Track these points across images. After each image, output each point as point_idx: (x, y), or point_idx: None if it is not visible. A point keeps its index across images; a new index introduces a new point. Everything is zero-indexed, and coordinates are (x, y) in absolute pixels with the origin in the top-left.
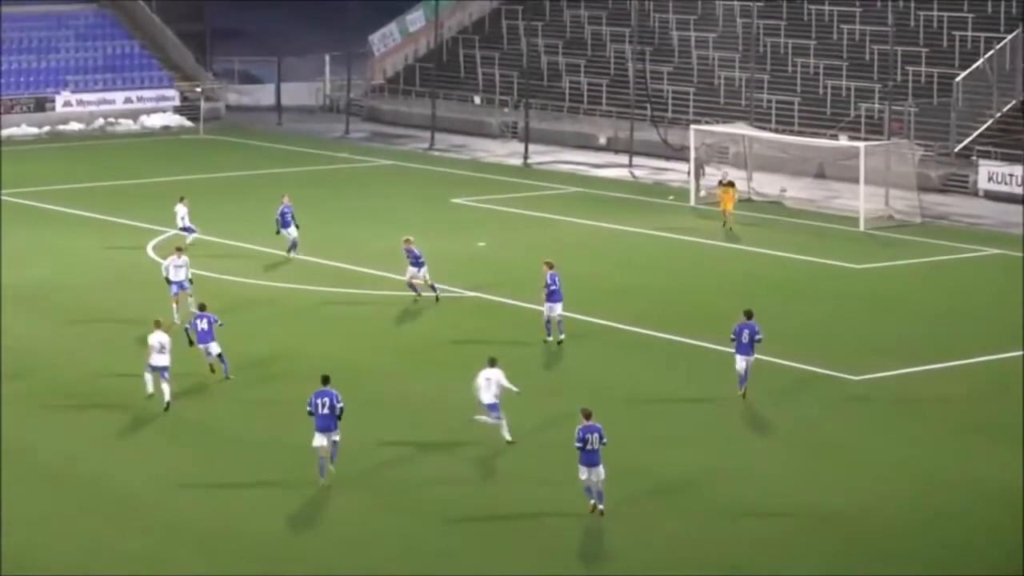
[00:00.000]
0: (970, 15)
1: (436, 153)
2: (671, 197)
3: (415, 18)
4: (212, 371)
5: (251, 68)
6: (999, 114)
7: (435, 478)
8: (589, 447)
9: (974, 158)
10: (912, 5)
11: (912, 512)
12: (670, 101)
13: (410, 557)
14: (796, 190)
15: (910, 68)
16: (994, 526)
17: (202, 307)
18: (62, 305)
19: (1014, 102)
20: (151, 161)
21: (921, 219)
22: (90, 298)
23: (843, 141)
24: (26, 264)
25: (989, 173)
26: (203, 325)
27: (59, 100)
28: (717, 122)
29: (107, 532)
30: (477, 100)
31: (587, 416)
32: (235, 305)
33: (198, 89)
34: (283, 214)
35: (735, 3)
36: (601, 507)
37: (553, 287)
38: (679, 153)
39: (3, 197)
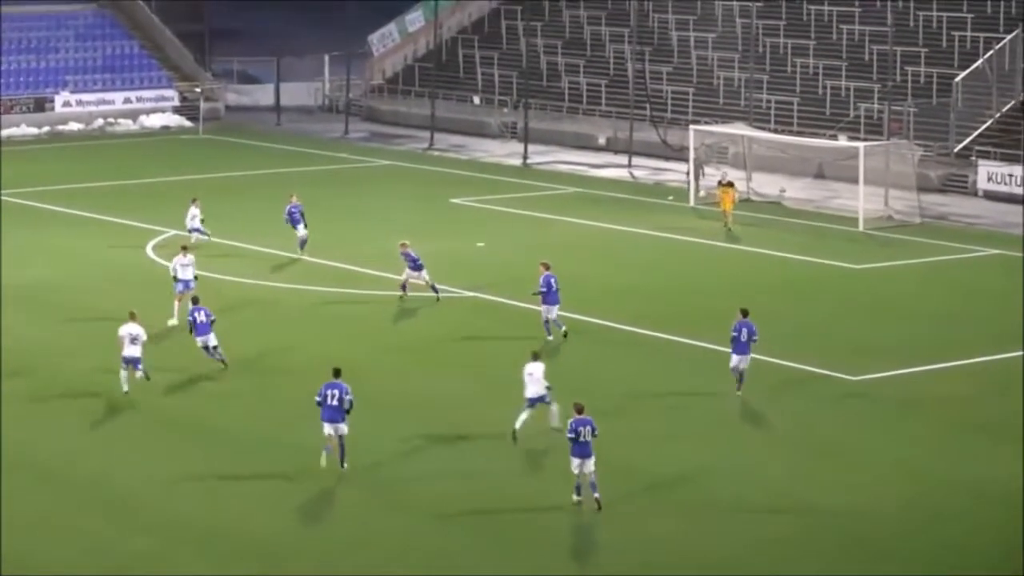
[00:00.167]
0: (969, 15)
1: (435, 153)
2: (670, 197)
3: (414, 18)
4: (224, 365)
5: (250, 68)
6: (998, 114)
7: (432, 475)
8: (581, 439)
9: (973, 158)
10: (911, 5)
11: (911, 512)
12: (669, 101)
13: (408, 555)
14: (795, 190)
15: (909, 68)
16: (994, 526)
17: (195, 300)
18: (61, 305)
19: (1013, 102)
20: (150, 161)
21: (920, 219)
22: (89, 298)
23: (842, 141)
24: (26, 264)
25: (988, 173)
26: (201, 317)
27: (58, 100)
28: (716, 122)
29: (107, 531)
30: (476, 100)
31: (579, 410)
32: (234, 305)
33: (197, 89)
34: (291, 213)
35: (734, 3)
36: (597, 496)
37: (544, 289)
38: (678, 153)
39: (3, 197)
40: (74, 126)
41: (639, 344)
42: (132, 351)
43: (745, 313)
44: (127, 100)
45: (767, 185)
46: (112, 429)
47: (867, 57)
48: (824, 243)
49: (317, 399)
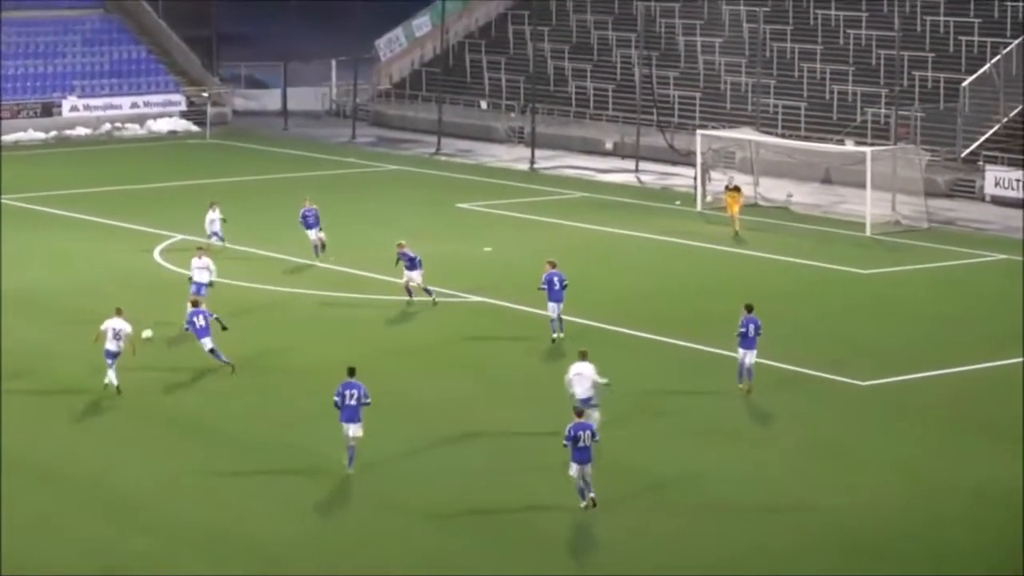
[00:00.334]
0: (976, 20)
1: (442, 158)
2: (678, 202)
3: (421, 23)
4: (232, 368)
5: (257, 73)
6: (1006, 119)
7: (432, 476)
8: (581, 444)
9: (981, 163)
10: (919, 10)
11: (912, 513)
12: (676, 106)
13: (408, 555)
14: (803, 195)
15: (916, 73)
16: (995, 527)
17: (195, 303)
18: (66, 308)
19: (1021, 107)
20: (158, 166)
21: (928, 224)
22: (95, 301)
23: (849, 146)
24: (32, 267)
25: (996, 178)
26: (200, 321)
27: (66, 105)
28: (723, 127)
29: (106, 531)
30: (483, 105)
31: (579, 414)
32: (241, 309)
33: (205, 94)
34: (304, 216)
35: (741, 8)
36: (592, 495)
37: (544, 286)
38: (685, 158)
39: (11, 202)
40: (81, 131)
41: (645, 348)
42: (112, 345)
43: (750, 308)
44: (134, 105)
45: (774, 190)
46: (113, 430)
47: (874, 62)
48: (831, 248)
49: (336, 399)
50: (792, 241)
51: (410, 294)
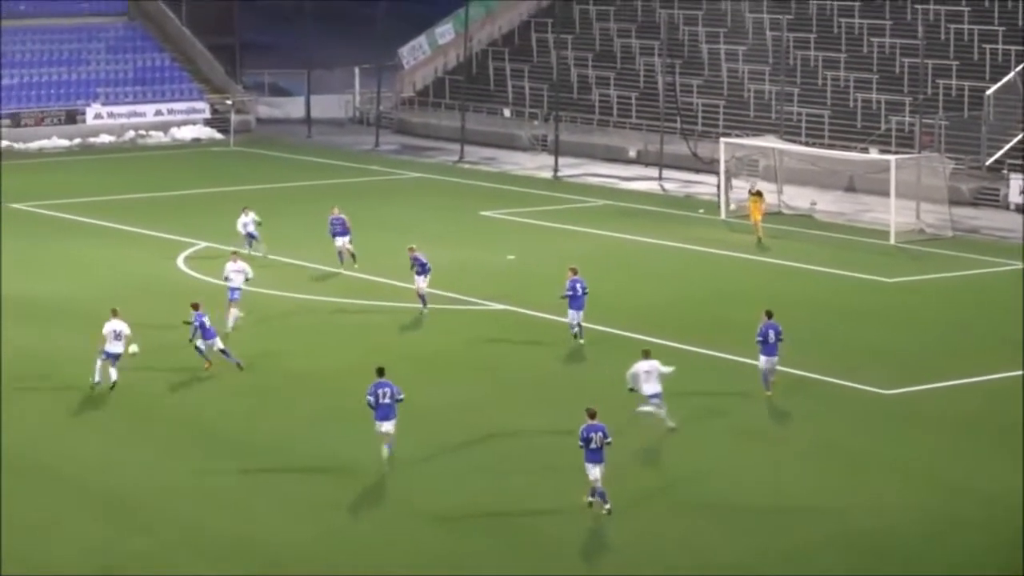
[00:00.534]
0: (1001, 28)
1: (466, 166)
2: (701, 210)
3: (444, 31)
4: (240, 368)
5: (281, 81)
6: None
7: (443, 479)
8: (593, 445)
9: (1005, 171)
10: (943, 18)
11: (927, 518)
12: (700, 114)
13: (417, 558)
14: (826, 203)
15: (941, 81)
16: (1010, 533)
17: (195, 306)
18: (88, 314)
19: None
20: (181, 173)
21: (952, 233)
22: (117, 307)
23: (874, 154)
24: (55, 275)
25: (1020, 186)
26: (207, 322)
27: (90, 112)
28: (747, 135)
29: (106, 532)
30: (507, 113)
31: (592, 415)
32: (262, 315)
33: (228, 102)
34: (332, 224)
35: (765, 16)
36: (608, 507)
37: (570, 293)
38: (709, 166)
39: (35, 209)
40: (105, 138)
41: (666, 355)
42: (115, 347)
43: (770, 315)
44: (158, 112)
45: (798, 198)
46: (121, 433)
47: (898, 70)
48: (855, 256)
49: (369, 399)
50: (816, 249)
51: (424, 302)
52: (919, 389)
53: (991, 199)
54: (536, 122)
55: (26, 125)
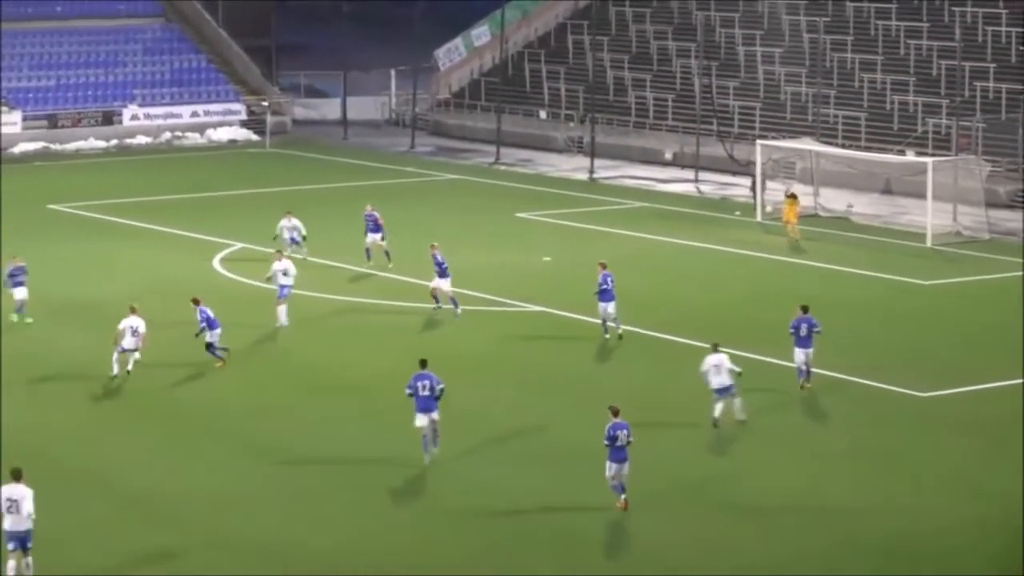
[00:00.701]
0: None
1: (501, 168)
2: (737, 212)
3: (480, 33)
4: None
5: (317, 82)
6: None
7: (465, 478)
8: (618, 444)
9: None
10: (980, 20)
11: (960, 520)
12: (736, 116)
13: (434, 555)
14: (863, 206)
15: (978, 83)
16: None
17: (196, 301)
18: (122, 316)
19: None
20: (217, 175)
21: (989, 235)
22: (153, 309)
23: (910, 157)
24: (92, 275)
25: None
26: (211, 314)
27: (126, 114)
28: (783, 137)
29: (133, 533)
30: (543, 115)
31: (615, 413)
32: (296, 317)
33: (264, 103)
34: (365, 220)
35: (801, 18)
36: (624, 497)
37: (604, 286)
38: (745, 168)
39: (71, 210)
40: (142, 139)
41: (703, 356)
42: (131, 342)
43: (805, 309)
44: (194, 114)
45: (834, 200)
46: (148, 431)
47: (935, 72)
48: (892, 259)
49: (407, 391)
50: (852, 252)
51: (437, 300)
52: (954, 392)
53: None
54: (572, 124)
55: (63, 126)
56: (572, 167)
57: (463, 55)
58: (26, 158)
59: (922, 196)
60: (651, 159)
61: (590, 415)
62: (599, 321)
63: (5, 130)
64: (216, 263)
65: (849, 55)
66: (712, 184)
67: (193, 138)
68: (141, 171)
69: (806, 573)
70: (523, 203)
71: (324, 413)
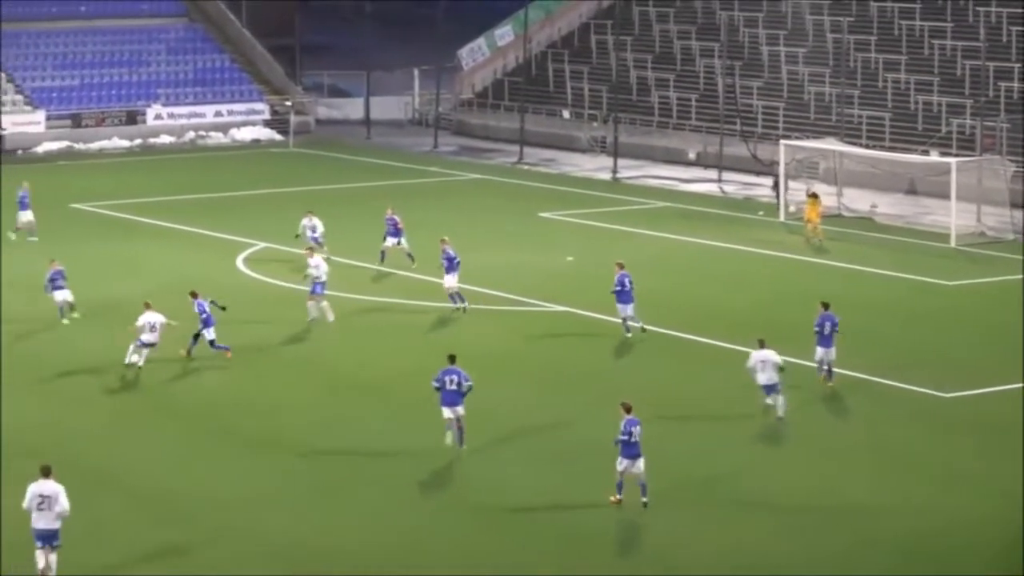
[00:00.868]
0: None
1: (525, 167)
2: (760, 212)
3: (503, 33)
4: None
5: (340, 82)
6: None
7: (478, 474)
8: (633, 440)
9: None
10: (1004, 20)
11: (982, 525)
12: (760, 116)
13: (452, 555)
14: (887, 206)
15: (1002, 84)
16: None
17: (194, 294)
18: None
19: None
20: (241, 174)
21: (1013, 235)
22: (175, 308)
23: (934, 157)
24: (113, 275)
25: None
26: (208, 309)
27: (150, 113)
28: (807, 137)
29: (154, 533)
30: (566, 114)
31: (628, 410)
32: (324, 319)
33: (288, 103)
34: (385, 223)
35: (825, 18)
36: (645, 499)
37: (621, 288)
38: (769, 168)
39: (95, 209)
40: (165, 139)
41: (726, 356)
42: (149, 338)
43: (826, 306)
44: (218, 113)
45: (858, 200)
46: (169, 429)
47: (959, 72)
48: (915, 259)
49: (435, 385)
50: (876, 252)
51: (454, 301)
52: (978, 393)
53: None
54: (595, 124)
55: (87, 126)
56: (595, 167)
57: (486, 55)
58: (50, 157)
59: (946, 196)
60: (674, 159)
61: (611, 413)
62: (620, 320)
63: (29, 129)
64: (239, 262)
65: (873, 55)
66: (735, 184)
67: (216, 138)
68: (164, 170)
69: (822, 572)
70: (546, 203)
71: (343, 411)
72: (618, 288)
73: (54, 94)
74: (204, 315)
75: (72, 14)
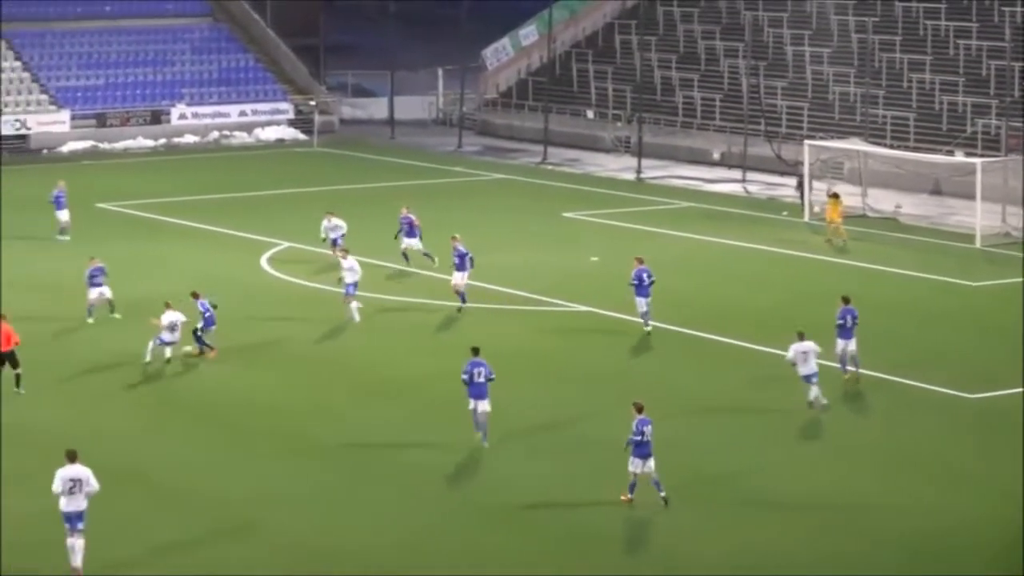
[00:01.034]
0: None
1: (549, 167)
2: (784, 213)
3: (528, 32)
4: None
5: (365, 82)
6: None
7: (494, 472)
8: (645, 439)
9: None
10: None
11: (1001, 527)
12: (784, 116)
13: (462, 554)
14: (911, 206)
15: None
16: None
17: (195, 295)
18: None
19: None
20: (265, 174)
21: None
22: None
23: (959, 157)
24: (137, 274)
25: None
26: (211, 310)
27: (175, 113)
28: (831, 137)
29: (178, 532)
30: (590, 114)
31: (639, 409)
32: (339, 315)
33: (312, 102)
34: (399, 223)
35: (850, 18)
36: (663, 494)
37: (636, 282)
38: (793, 169)
39: (120, 209)
40: (190, 139)
41: (748, 356)
42: (169, 336)
43: (847, 300)
44: (242, 113)
45: (883, 201)
46: (192, 429)
47: (984, 72)
48: (940, 259)
49: (464, 377)
50: (900, 252)
51: (462, 299)
52: (1003, 394)
53: None
54: (619, 124)
55: (112, 125)
56: (619, 167)
57: (510, 55)
58: (74, 157)
59: (971, 197)
60: (698, 159)
61: (630, 412)
62: (639, 316)
63: (54, 129)
64: (263, 262)
65: (898, 55)
66: (759, 184)
67: (241, 137)
68: (189, 170)
69: (831, 571)
70: (570, 203)
71: (366, 410)
72: (635, 282)
73: (79, 94)
74: (208, 314)
75: (97, 14)
